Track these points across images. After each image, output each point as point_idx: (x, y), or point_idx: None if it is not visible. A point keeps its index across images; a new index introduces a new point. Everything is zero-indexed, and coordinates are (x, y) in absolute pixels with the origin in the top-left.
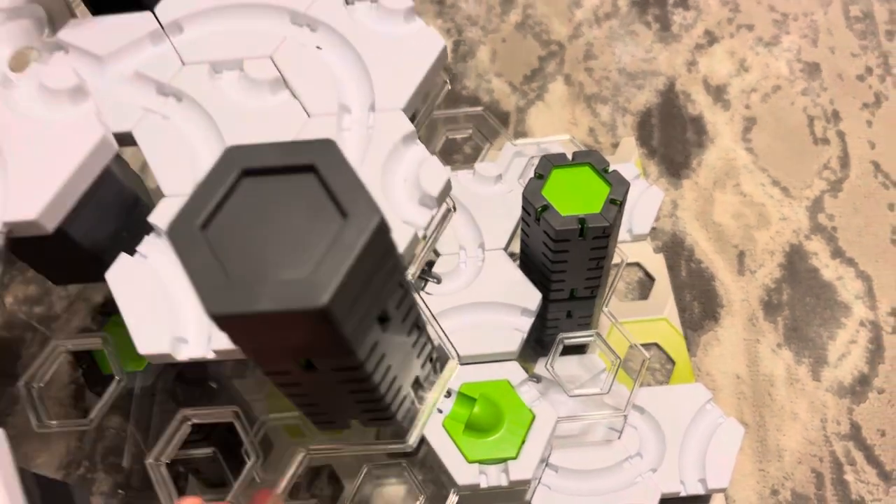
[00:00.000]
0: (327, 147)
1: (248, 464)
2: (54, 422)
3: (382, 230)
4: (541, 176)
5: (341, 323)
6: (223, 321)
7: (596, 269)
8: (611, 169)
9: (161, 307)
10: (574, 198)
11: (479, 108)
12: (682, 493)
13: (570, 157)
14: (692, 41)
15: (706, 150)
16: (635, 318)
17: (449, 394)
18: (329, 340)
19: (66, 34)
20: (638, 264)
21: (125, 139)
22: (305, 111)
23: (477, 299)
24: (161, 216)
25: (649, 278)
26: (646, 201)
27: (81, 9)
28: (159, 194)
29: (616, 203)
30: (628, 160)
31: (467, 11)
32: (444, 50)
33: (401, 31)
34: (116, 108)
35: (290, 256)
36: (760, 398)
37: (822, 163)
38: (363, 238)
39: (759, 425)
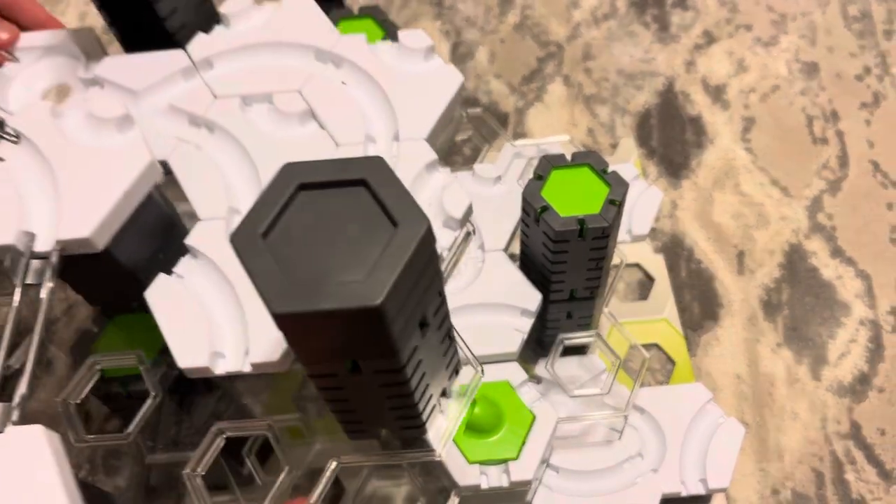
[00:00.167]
0: (377, 163)
1: (282, 474)
2: (91, 436)
3: (429, 237)
4: (540, 177)
5: (391, 322)
6: (285, 320)
7: (595, 270)
8: (610, 169)
9: (199, 324)
10: (573, 198)
11: (479, 109)
12: (683, 494)
13: (569, 157)
14: (691, 41)
15: (705, 151)
16: (635, 319)
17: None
18: (378, 339)
19: (102, 70)
20: (637, 265)
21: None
22: (334, 141)
23: (477, 300)
24: (197, 239)
25: (649, 279)
26: (645, 202)
27: (113, 47)
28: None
29: (615, 203)
30: (627, 161)
31: (466, 13)
32: (462, 84)
33: (421, 67)
34: (151, 138)
35: (345, 261)
36: (760, 398)
37: (821, 162)
38: (413, 243)
39: (760, 425)
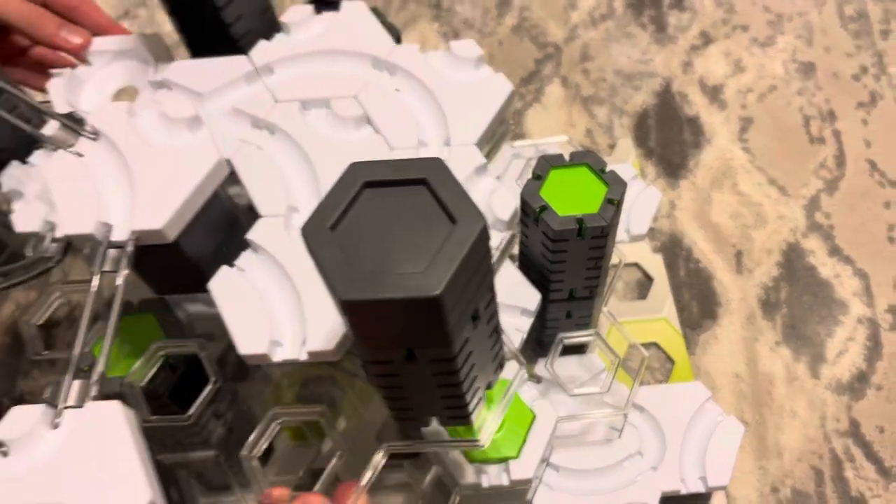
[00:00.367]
0: (436, 164)
1: (334, 459)
2: (154, 417)
3: (484, 235)
4: (538, 177)
5: (447, 313)
6: (350, 307)
7: (594, 269)
8: (608, 169)
9: (258, 313)
10: (572, 198)
11: None
12: (683, 492)
13: (567, 157)
14: (688, 42)
15: (703, 151)
16: (634, 318)
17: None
18: (434, 329)
19: (170, 73)
20: (636, 264)
21: None
22: (388, 144)
23: None
24: (259, 234)
25: (648, 278)
26: (643, 202)
27: (179, 52)
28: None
29: (613, 203)
30: (625, 161)
31: (464, 15)
32: (512, 93)
33: (472, 76)
34: (216, 138)
35: (406, 254)
36: (759, 396)
37: (819, 162)
38: (471, 239)
39: (759, 423)
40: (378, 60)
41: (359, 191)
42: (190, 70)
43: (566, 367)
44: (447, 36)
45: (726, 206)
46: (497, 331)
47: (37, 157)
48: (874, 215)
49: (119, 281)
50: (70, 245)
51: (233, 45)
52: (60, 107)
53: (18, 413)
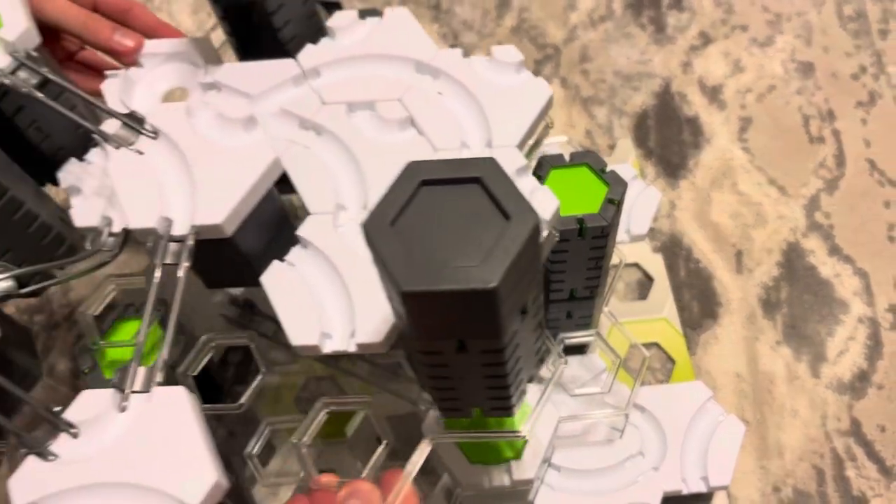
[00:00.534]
0: (490, 163)
1: (380, 448)
2: (206, 405)
3: (537, 231)
4: (539, 177)
5: (500, 305)
6: (411, 298)
7: (595, 269)
8: (608, 169)
9: (309, 307)
10: (572, 198)
11: None
12: (685, 492)
13: (567, 157)
14: (687, 43)
15: (703, 151)
16: (635, 318)
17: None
18: (487, 320)
19: (220, 75)
20: (637, 265)
21: None
22: (432, 146)
23: None
24: (308, 230)
25: (648, 278)
26: (644, 202)
27: (227, 55)
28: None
29: (614, 203)
30: (625, 161)
31: (463, 16)
32: (552, 97)
33: (513, 80)
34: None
35: (462, 248)
36: (760, 396)
37: (818, 161)
38: (525, 235)
39: (760, 423)
40: (421, 64)
41: (416, 188)
42: (239, 72)
43: (567, 367)
44: (446, 37)
45: (726, 206)
46: (541, 326)
47: (93, 154)
48: (874, 215)
49: (180, 273)
50: (126, 239)
51: (281, 48)
52: (115, 106)
53: (88, 397)
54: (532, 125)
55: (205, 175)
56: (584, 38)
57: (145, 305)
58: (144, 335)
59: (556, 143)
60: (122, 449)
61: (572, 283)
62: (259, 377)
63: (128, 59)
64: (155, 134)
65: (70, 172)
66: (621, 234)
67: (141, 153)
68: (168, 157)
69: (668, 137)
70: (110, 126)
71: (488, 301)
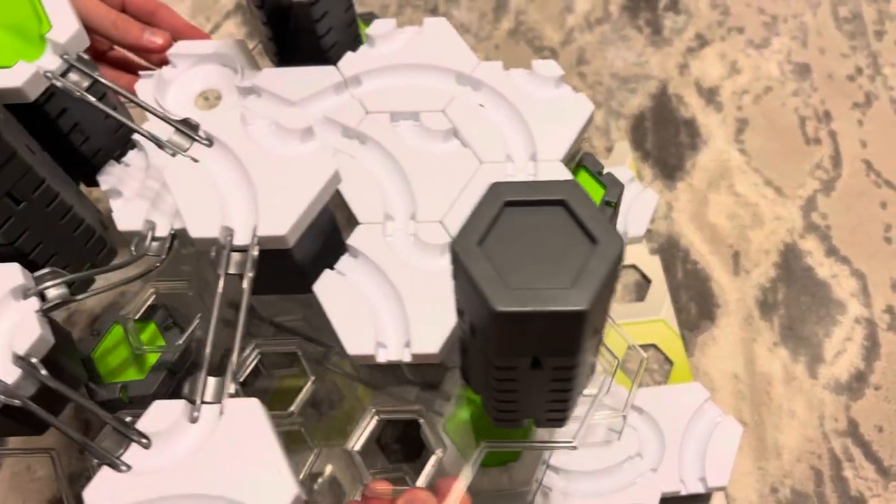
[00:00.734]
0: (573, 186)
1: (435, 455)
2: None
3: (622, 255)
4: None
5: (586, 326)
6: (502, 317)
7: None
8: (605, 171)
9: (363, 316)
10: None
11: None
12: (683, 493)
13: None
14: (683, 45)
15: (699, 152)
16: (632, 320)
17: (449, 398)
18: (569, 340)
19: (259, 80)
20: (634, 266)
21: None
22: (477, 158)
23: None
24: (358, 239)
25: (646, 280)
26: (641, 204)
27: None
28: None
29: (611, 205)
30: (622, 163)
31: (460, 19)
32: (593, 112)
33: (553, 94)
34: None
35: (550, 270)
36: (758, 397)
37: (815, 162)
38: (612, 259)
39: (758, 424)
40: (462, 76)
41: (500, 209)
42: (279, 78)
43: None
44: None
45: (723, 208)
46: (600, 342)
47: (132, 157)
48: (871, 215)
49: (245, 285)
50: (173, 244)
51: (321, 55)
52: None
53: (160, 407)
54: (575, 140)
55: (265, 184)
56: (580, 41)
57: (210, 314)
58: (211, 346)
59: None
60: (196, 460)
61: None
62: (308, 384)
63: (158, 56)
64: (209, 142)
65: (111, 174)
66: None
67: (195, 160)
68: (225, 165)
69: (665, 139)
70: (160, 132)
71: (576, 322)
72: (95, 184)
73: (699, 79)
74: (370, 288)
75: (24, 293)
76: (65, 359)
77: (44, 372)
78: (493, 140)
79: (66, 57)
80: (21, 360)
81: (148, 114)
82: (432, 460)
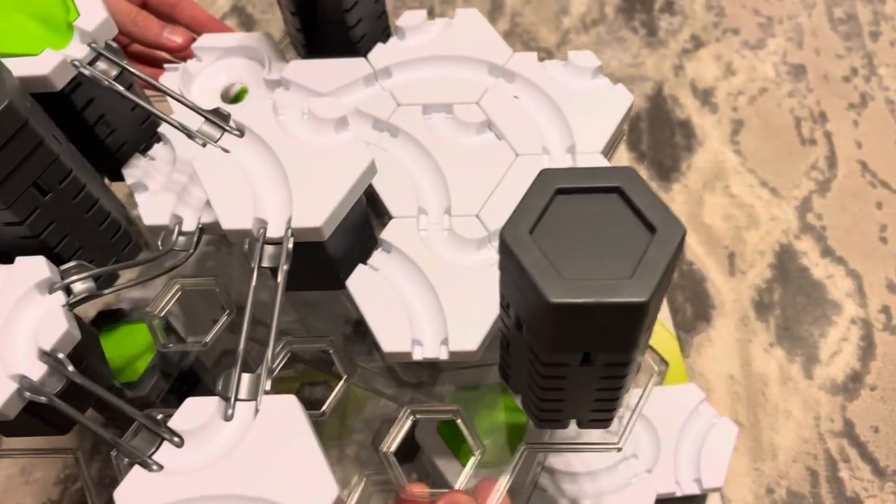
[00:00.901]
0: (629, 173)
1: (474, 457)
2: None
3: (683, 243)
4: None
5: (645, 318)
6: (558, 309)
7: None
8: None
9: (398, 313)
10: None
11: None
12: (678, 494)
13: None
14: (679, 46)
15: (695, 153)
16: None
17: (442, 399)
18: (626, 334)
19: (287, 72)
20: None
21: None
22: (513, 150)
23: None
24: (392, 234)
25: None
26: None
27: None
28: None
29: None
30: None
31: None
32: (632, 104)
33: (590, 85)
34: None
35: (606, 259)
36: (754, 397)
37: (810, 163)
38: (673, 248)
39: (753, 424)
40: (495, 67)
41: (552, 197)
42: (308, 70)
43: None
44: None
45: (718, 208)
46: (650, 338)
47: (157, 150)
48: (866, 216)
49: (279, 278)
50: (200, 238)
51: (350, 46)
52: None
53: (193, 405)
54: (616, 132)
55: (299, 175)
56: (576, 42)
57: (245, 309)
58: (245, 342)
59: None
60: (231, 459)
61: None
62: (341, 384)
63: (178, 54)
64: (240, 132)
65: (136, 167)
66: None
67: (227, 151)
68: (257, 155)
69: (661, 140)
70: (195, 122)
71: (636, 315)
72: (120, 178)
73: (694, 80)
74: (404, 284)
75: (50, 287)
76: (90, 355)
77: (70, 368)
78: (529, 132)
79: (93, 45)
80: (47, 356)
81: (174, 106)
82: (471, 462)
